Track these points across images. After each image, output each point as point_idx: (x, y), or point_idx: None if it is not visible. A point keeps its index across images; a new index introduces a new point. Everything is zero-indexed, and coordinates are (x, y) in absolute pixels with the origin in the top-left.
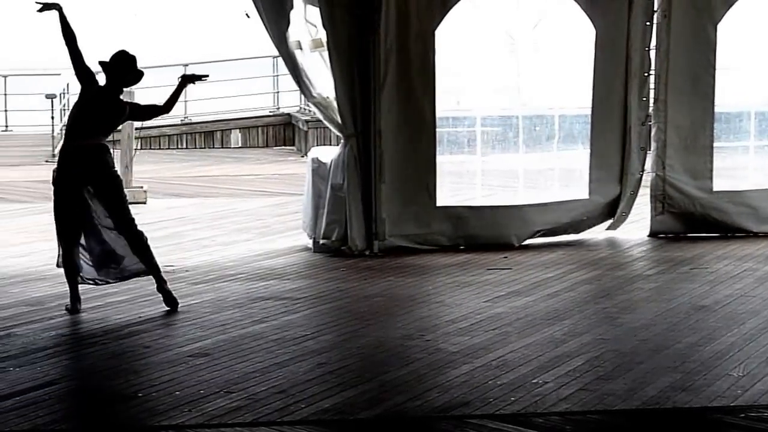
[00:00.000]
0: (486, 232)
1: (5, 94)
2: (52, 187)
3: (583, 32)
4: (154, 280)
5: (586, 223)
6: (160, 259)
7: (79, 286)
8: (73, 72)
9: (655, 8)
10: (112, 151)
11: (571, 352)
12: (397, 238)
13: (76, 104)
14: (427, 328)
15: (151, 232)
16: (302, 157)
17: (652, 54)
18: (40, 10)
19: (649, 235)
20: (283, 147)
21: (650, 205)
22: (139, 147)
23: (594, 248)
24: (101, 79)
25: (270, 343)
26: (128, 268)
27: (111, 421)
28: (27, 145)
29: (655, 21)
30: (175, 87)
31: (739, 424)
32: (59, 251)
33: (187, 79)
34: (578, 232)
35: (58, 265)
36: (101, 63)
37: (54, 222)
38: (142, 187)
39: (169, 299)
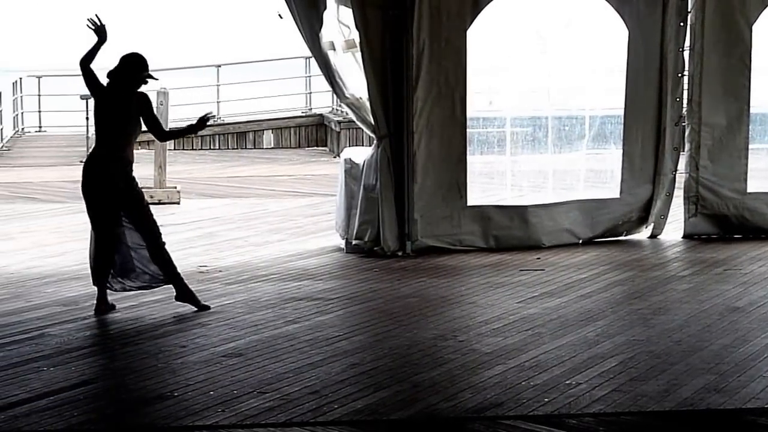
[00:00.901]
0: (516, 233)
1: (39, 95)
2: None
3: (614, 32)
4: (174, 290)
5: (623, 227)
6: (193, 260)
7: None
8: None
9: (689, 9)
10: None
11: (604, 354)
12: (429, 239)
13: (94, 113)
14: (460, 328)
15: (185, 232)
16: (334, 157)
17: (686, 54)
18: (92, 28)
19: (683, 237)
20: (316, 147)
21: (683, 206)
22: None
23: (627, 249)
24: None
25: (303, 343)
26: (139, 278)
27: (145, 420)
28: (61, 145)
29: (689, 22)
30: (188, 124)
31: None
32: (91, 249)
33: (202, 125)
34: (616, 236)
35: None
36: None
37: (90, 225)
38: (175, 188)
39: (197, 305)
